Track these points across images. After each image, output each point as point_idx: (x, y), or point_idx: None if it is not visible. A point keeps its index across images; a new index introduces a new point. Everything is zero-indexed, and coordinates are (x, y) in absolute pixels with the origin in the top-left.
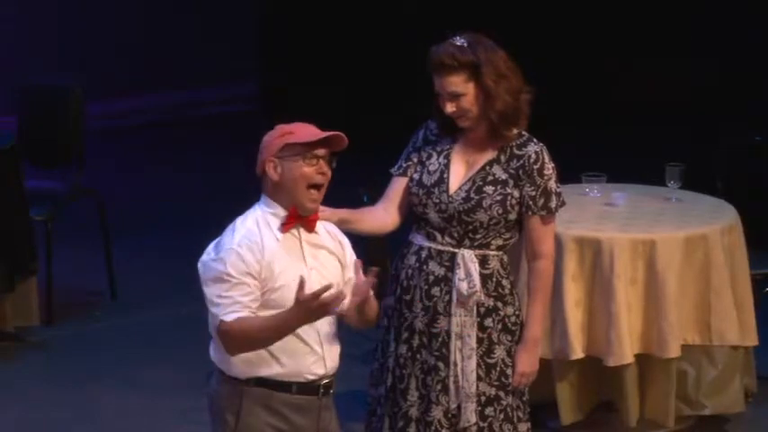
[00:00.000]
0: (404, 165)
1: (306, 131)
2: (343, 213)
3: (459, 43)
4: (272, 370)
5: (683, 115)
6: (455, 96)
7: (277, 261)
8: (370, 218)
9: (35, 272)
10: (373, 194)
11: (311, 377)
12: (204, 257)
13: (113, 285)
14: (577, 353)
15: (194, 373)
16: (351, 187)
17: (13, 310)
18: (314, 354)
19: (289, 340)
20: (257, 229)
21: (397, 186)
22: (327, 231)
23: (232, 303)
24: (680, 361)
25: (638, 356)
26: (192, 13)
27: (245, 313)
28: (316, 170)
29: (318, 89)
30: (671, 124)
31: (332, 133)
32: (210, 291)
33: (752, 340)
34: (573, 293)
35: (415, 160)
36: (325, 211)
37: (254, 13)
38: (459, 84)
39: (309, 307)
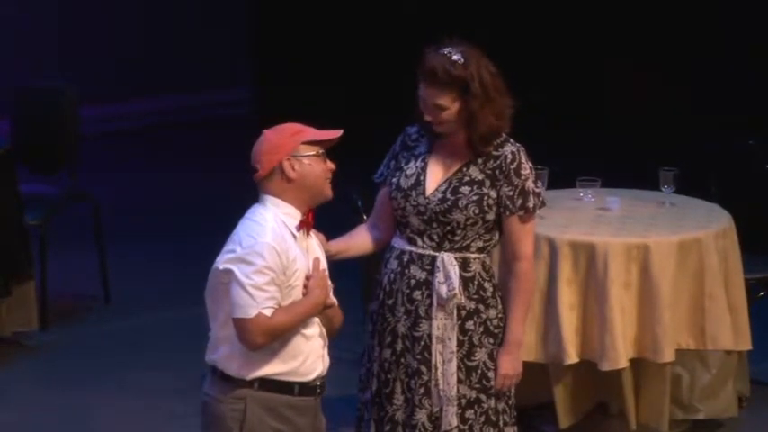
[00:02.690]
0: (385, 173)
1: (311, 130)
2: (333, 246)
3: (455, 58)
4: (276, 368)
5: (677, 119)
6: (438, 108)
7: (298, 260)
8: (359, 242)
9: (31, 277)
10: (367, 199)
11: (311, 376)
12: (233, 253)
13: (107, 290)
14: (572, 357)
15: (189, 376)
16: (345, 192)
17: (11, 315)
18: (315, 352)
19: (293, 338)
20: (278, 227)
21: (382, 198)
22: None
23: (270, 298)
24: (674, 365)
25: (632, 361)
26: (188, 18)
27: (275, 309)
28: (328, 164)
29: (313, 93)
30: (666, 129)
31: (338, 130)
32: (247, 282)
33: (745, 345)
34: (567, 298)
35: (394, 166)
36: (321, 240)
37: (248, 16)
38: (446, 100)
39: (325, 285)
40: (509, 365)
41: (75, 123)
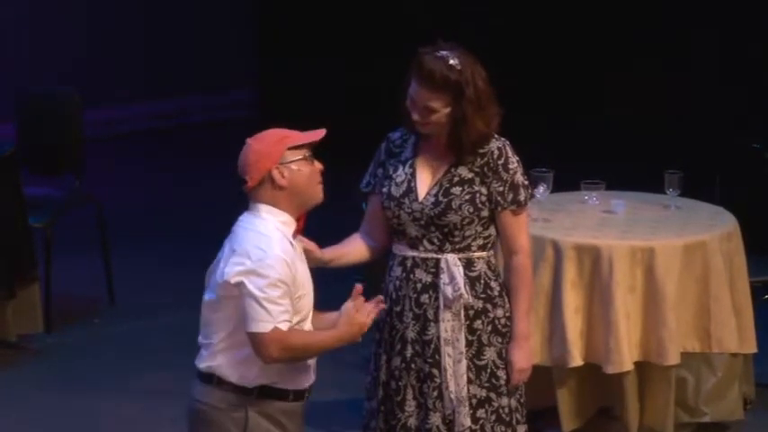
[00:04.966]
0: (372, 181)
1: (298, 133)
2: (328, 253)
3: (452, 62)
4: (275, 376)
5: (681, 122)
6: (428, 110)
7: (299, 269)
8: (353, 250)
9: (36, 279)
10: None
11: (306, 384)
12: (243, 266)
13: (112, 292)
14: (576, 360)
15: (193, 380)
16: (349, 195)
17: (16, 317)
18: (310, 361)
19: None
20: (281, 237)
21: (373, 206)
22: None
23: (284, 311)
24: (679, 368)
25: (637, 364)
26: (191, 20)
27: (291, 322)
28: (316, 165)
29: (316, 95)
30: (670, 131)
31: (321, 130)
32: (261, 296)
33: (751, 347)
34: (572, 301)
35: (381, 175)
36: (312, 248)
37: (251, 19)
38: (438, 103)
39: (363, 323)
40: (523, 359)
41: (79, 126)
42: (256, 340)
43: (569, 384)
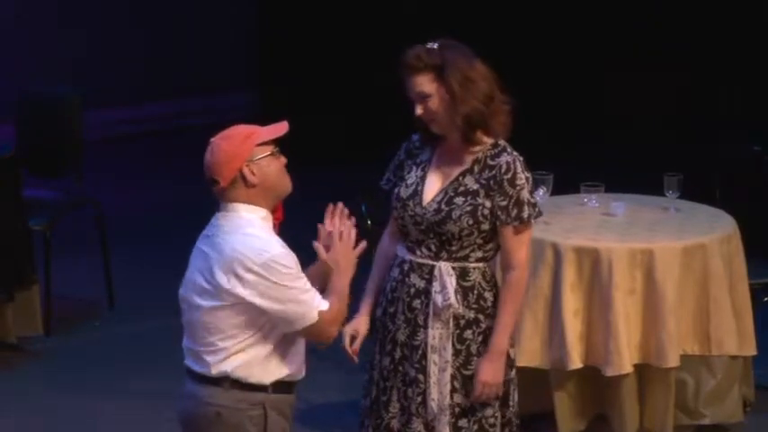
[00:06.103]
0: (393, 179)
1: (263, 129)
2: (382, 275)
3: (429, 45)
4: (287, 370)
5: (681, 125)
6: (422, 98)
7: None
8: (390, 254)
9: (35, 281)
10: (371, 204)
11: (303, 374)
12: (252, 273)
13: (111, 294)
14: (576, 363)
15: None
16: (349, 198)
17: (16, 320)
18: (302, 354)
19: (294, 339)
20: (269, 233)
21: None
22: None
23: (315, 294)
24: (679, 371)
25: (637, 366)
26: (191, 22)
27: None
28: (281, 159)
29: (317, 96)
30: (670, 134)
31: (284, 123)
32: (290, 291)
33: (750, 350)
34: (571, 303)
35: (399, 175)
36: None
37: (253, 22)
38: (425, 84)
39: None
40: (489, 373)
41: (79, 127)
42: (311, 332)
43: (567, 388)
